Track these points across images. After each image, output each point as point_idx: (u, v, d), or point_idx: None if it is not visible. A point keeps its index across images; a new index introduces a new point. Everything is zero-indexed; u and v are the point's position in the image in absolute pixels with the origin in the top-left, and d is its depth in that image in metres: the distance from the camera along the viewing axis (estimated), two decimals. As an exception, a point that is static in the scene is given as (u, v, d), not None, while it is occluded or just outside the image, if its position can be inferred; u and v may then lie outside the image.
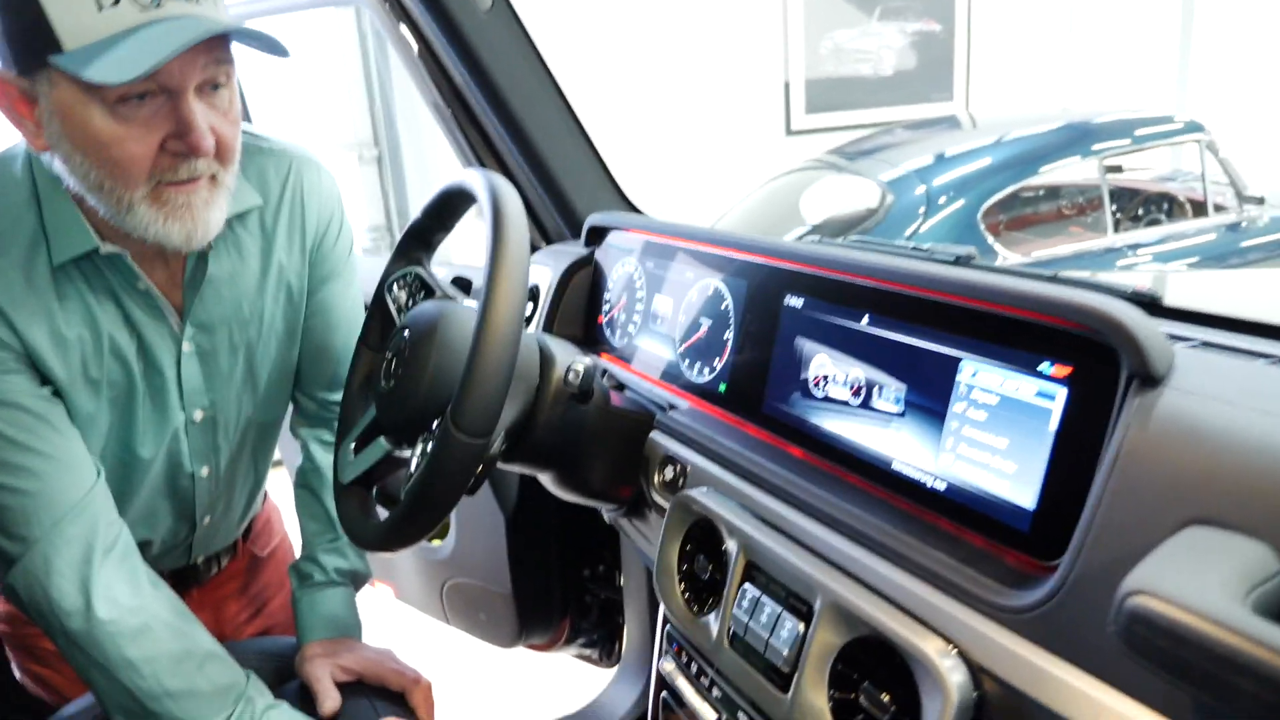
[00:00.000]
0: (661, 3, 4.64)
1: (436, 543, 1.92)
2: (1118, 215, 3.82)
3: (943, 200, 3.46)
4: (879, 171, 3.68)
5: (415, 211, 1.08)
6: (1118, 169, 4.20)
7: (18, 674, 1.34)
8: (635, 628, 1.61)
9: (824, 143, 4.65)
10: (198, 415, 1.13)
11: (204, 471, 1.18)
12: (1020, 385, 0.69)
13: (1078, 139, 3.80)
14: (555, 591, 1.75)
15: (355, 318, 1.23)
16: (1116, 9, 5.72)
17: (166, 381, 1.08)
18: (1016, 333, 0.70)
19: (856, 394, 0.83)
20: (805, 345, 0.90)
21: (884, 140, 4.21)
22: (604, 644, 1.84)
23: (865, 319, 0.83)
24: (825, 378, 0.87)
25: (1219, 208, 3.88)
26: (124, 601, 1.01)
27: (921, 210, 3.43)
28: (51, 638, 1.02)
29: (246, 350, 1.14)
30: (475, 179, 0.93)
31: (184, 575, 1.29)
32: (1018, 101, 5.56)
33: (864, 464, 0.81)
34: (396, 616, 2.01)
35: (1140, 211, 4.20)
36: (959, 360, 0.74)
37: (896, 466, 0.78)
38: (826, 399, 0.86)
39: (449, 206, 1.05)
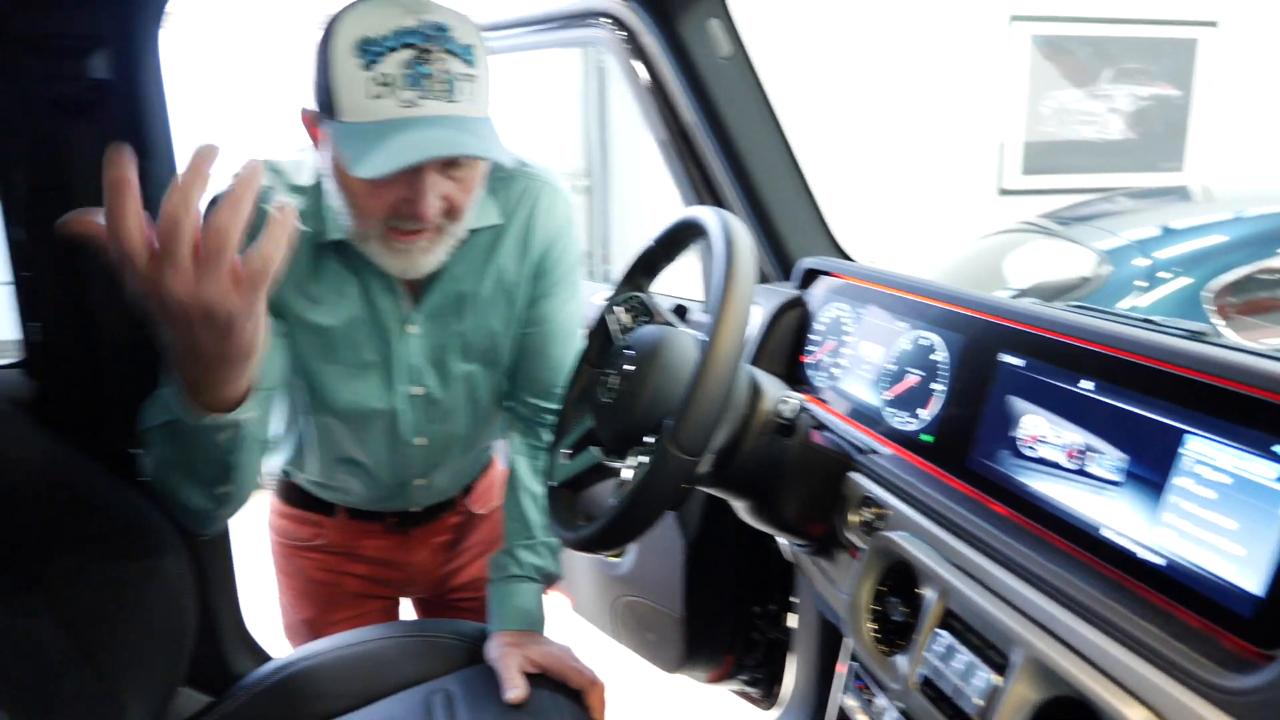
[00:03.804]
0: (882, 50, 4.64)
1: (615, 559, 1.99)
2: (1371, 309, 3.46)
3: (1166, 275, 3.26)
4: (1096, 239, 3.51)
5: (620, 239, 1.16)
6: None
7: (279, 589, 1.54)
8: (803, 671, 1.62)
9: (1037, 205, 4.49)
10: (415, 391, 1.27)
11: (419, 441, 1.32)
12: (1257, 468, 0.67)
13: (1331, 222, 3.49)
14: (724, 623, 1.78)
15: (570, 332, 1.32)
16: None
17: (391, 354, 1.23)
18: (1255, 413, 0.68)
19: (1072, 458, 0.83)
20: (1019, 404, 0.90)
21: (1104, 207, 4.02)
22: (764, 684, 1.85)
23: (1088, 384, 0.83)
24: (1039, 439, 0.87)
25: None
26: None
27: (1141, 284, 3.25)
28: None
29: (462, 343, 1.26)
30: (709, 216, 0.99)
31: (406, 517, 1.45)
32: (1258, 176, 5.16)
33: (1073, 528, 0.80)
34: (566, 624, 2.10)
35: (1399, 307, 3.80)
36: (1185, 434, 0.73)
37: (1106, 534, 0.77)
38: (1039, 460, 0.86)
39: (679, 238, 1.11)
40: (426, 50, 0.96)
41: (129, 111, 1.30)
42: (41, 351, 1.38)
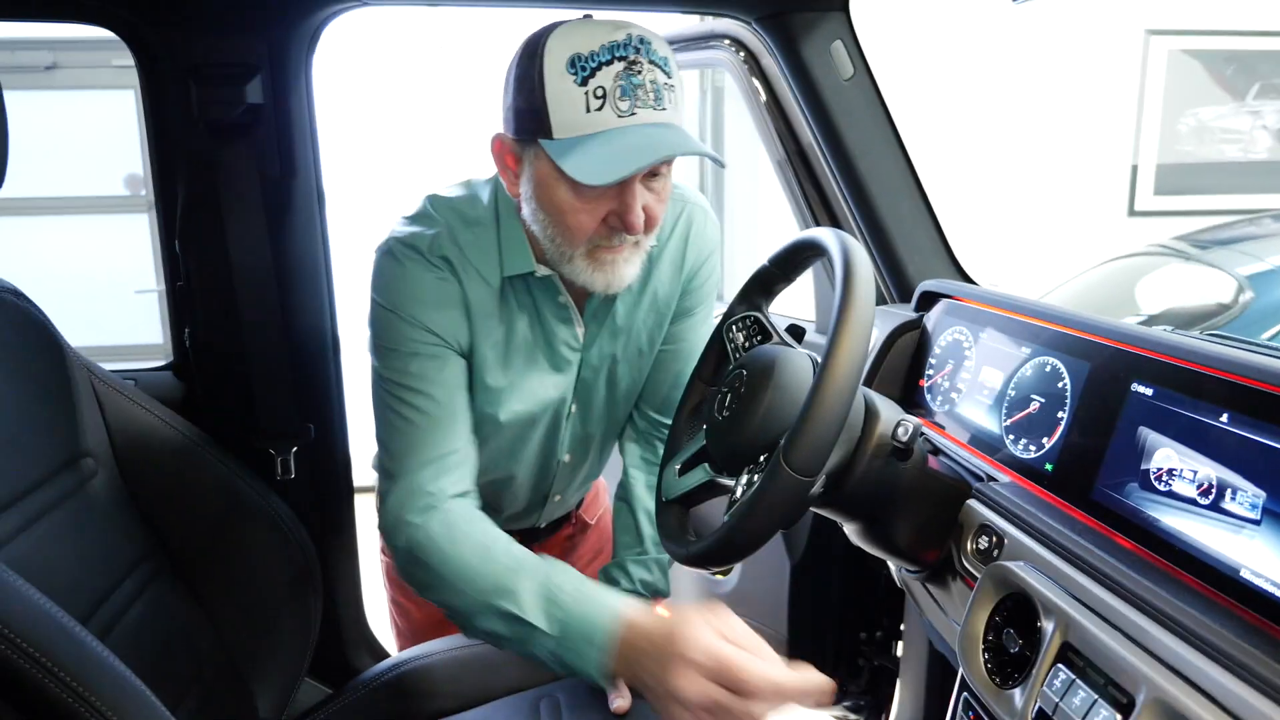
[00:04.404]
0: (1011, 65, 4.51)
1: (720, 576, 1.99)
2: None
3: (1317, 304, 3.06)
4: (1237, 264, 3.33)
5: (730, 259, 1.17)
6: None
7: (390, 607, 1.59)
8: (909, 700, 1.58)
9: (1170, 227, 4.28)
10: (573, 409, 1.30)
11: (566, 459, 1.36)
12: None
13: None
14: (829, 647, 1.76)
15: (699, 351, 1.34)
16: None
17: (566, 378, 1.26)
18: None
19: (1205, 494, 0.79)
20: (1150, 436, 0.87)
21: (1247, 230, 3.80)
22: (870, 711, 1.81)
23: (1224, 416, 0.79)
24: (1170, 472, 0.83)
25: None
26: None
27: (1288, 312, 3.05)
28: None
29: (611, 359, 1.29)
30: (828, 237, 0.99)
31: (528, 534, 1.48)
32: None
33: (1207, 567, 0.77)
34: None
35: None
36: (1336, 473, 0.69)
37: (1246, 575, 0.73)
38: (1169, 494, 0.83)
39: (796, 258, 1.12)
40: (635, 62, 0.99)
41: (279, 133, 1.39)
42: (190, 355, 1.48)
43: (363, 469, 1.51)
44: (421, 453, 1.13)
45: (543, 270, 1.16)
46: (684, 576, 2.11)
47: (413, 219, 1.18)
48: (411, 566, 1.12)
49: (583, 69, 0.98)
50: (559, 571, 1.07)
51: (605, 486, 1.69)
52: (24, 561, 0.95)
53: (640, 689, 0.98)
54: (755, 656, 0.93)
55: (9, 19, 1.36)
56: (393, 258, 1.14)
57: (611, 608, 1.01)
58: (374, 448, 1.22)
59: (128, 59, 1.37)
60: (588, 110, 0.98)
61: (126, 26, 1.34)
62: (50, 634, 0.74)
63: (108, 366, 1.28)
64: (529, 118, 1.02)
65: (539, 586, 1.05)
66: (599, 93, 0.98)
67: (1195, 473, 0.81)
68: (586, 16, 1.04)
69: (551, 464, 1.36)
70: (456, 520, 1.11)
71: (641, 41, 1.00)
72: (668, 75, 1.02)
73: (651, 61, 1.00)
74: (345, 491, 1.62)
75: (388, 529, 1.14)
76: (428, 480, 1.13)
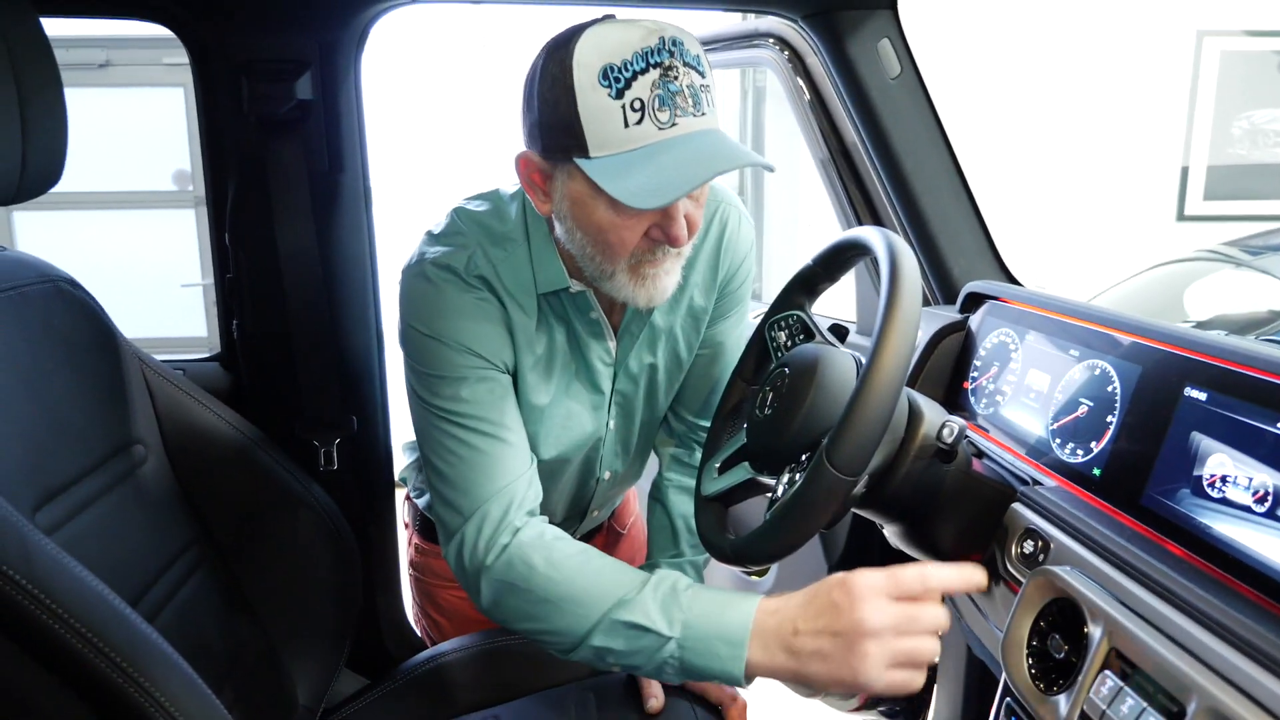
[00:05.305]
0: (1059, 66, 4.46)
1: (756, 577, 1.99)
2: None
3: (1373, 311, 2.98)
4: (1291, 270, 3.25)
5: (769, 259, 1.15)
6: None
7: (416, 613, 1.60)
8: (945, 705, 1.57)
9: (1219, 232, 4.19)
10: (612, 424, 1.28)
11: (607, 475, 1.34)
12: None
13: None
14: (865, 651, 1.74)
15: (737, 353, 1.31)
16: None
17: (603, 395, 1.23)
18: None
19: (1261, 501, 0.77)
20: (1203, 441, 0.85)
21: (1301, 236, 3.71)
22: (907, 715, 1.80)
23: (1283, 422, 0.78)
24: (1224, 478, 0.81)
25: None
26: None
27: (1343, 320, 2.97)
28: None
29: (649, 368, 1.26)
30: (874, 236, 0.99)
31: None
32: None
33: (1261, 575, 0.75)
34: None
35: None
36: (1400, 482, 0.67)
37: (1302, 585, 0.72)
38: (1222, 501, 0.81)
39: (840, 258, 1.11)
40: (671, 67, 0.92)
41: (327, 129, 1.40)
42: (238, 347, 1.50)
43: (402, 463, 1.52)
44: (488, 483, 1.08)
45: (576, 286, 1.12)
46: (718, 575, 2.11)
47: (441, 237, 1.13)
48: (503, 602, 1.06)
49: (617, 80, 0.90)
50: (672, 575, 1.03)
51: (636, 494, 1.69)
52: (76, 545, 0.97)
53: (803, 668, 0.94)
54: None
55: (70, 15, 1.39)
56: (426, 280, 1.09)
57: (743, 602, 0.98)
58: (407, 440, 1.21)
59: (179, 57, 1.40)
60: (626, 125, 0.91)
61: (181, 23, 1.37)
62: (103, 616, 0.76)
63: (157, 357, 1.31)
64: (561, 135, 0.94)
65: (658, 593, 1.00)
66: (636, 105, 0.90)
67: (1251, 479, 0.79)
68: (608, 17, 0.97)
69: (590, 482, 1.34)
70: (540, 539, 1.07)
71: (674, 43, 0.93)
72: (702, 75, 0.95)
73: (686, 64, 0.93)
74: (386, 484, 1.64)
75: (465, 575, 1.09)
76: (498, 510, 1.08)
